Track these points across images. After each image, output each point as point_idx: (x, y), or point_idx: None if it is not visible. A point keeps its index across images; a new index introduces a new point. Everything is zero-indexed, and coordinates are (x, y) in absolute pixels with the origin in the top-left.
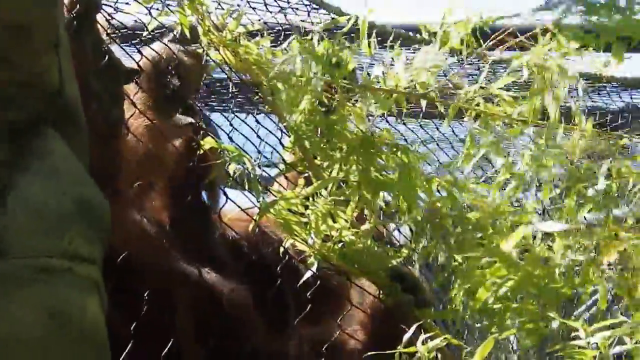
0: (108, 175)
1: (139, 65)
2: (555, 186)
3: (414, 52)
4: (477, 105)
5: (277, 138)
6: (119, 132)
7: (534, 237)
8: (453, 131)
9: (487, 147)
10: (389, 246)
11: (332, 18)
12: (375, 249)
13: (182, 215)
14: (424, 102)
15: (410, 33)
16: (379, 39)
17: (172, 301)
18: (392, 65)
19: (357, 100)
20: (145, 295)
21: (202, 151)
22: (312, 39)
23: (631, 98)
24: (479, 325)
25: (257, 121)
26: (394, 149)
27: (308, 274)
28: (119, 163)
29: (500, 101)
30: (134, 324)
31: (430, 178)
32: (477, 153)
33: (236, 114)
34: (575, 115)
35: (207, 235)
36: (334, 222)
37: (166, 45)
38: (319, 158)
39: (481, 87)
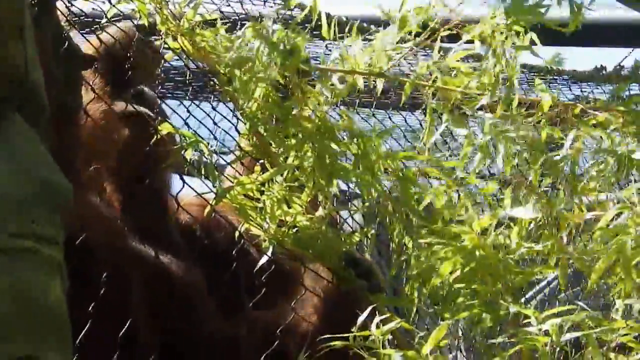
0: (66, 160)
1: (97, 52)
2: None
3: (368, 42)
4: (435, 80)
5: (233, 124)
6: (77, 117)
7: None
8: (405, 121)
9: (448, 120)
10: (342, 232)
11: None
12: (329, 234)
13: (135, 200)
14: (380, 84)
15: (365, 24)
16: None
17: (127, 283)
18: (349, 49)
19: (313, 86)
20: (101, 277)
21: (158, 137)
22: (265, 24)
23: (581, 91)
24: (430, 310)
25: (213, 108)
26: (352, 135)
27: (263, 259)
28: (77, 148)
29: (458, 73)
30: (90, 307)
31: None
32: (439, 128)
33: (193, 101)
34: (536, 87)
35: (160, 220)
36: (289, 207)
37: (122, 30)
38: (274, 145)
39: (435, 62)
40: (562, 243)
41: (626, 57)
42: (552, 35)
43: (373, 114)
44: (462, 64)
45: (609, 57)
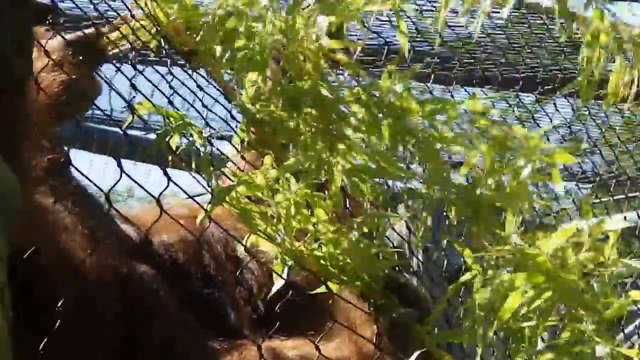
0: (11, 146)
1: (52, 2)
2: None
3: None
4: None
5: (227, 110)
6: (27, 89)
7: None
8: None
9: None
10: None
11: None
12: (365, 250)
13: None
14: None
15: None
16: None
17: (93, 311)
18: None
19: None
20: (58, 303)
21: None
22: None
23: None
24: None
25: (199, 87)
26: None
27: (279, 284)
28: (26, 130)
29: None
30: (44, 341)
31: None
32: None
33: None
34: None
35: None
36: (311, 213)
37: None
38: (282, 138)
39: None
40: None
41: None
42: None
43: (430, 91)
44: None
45: None
